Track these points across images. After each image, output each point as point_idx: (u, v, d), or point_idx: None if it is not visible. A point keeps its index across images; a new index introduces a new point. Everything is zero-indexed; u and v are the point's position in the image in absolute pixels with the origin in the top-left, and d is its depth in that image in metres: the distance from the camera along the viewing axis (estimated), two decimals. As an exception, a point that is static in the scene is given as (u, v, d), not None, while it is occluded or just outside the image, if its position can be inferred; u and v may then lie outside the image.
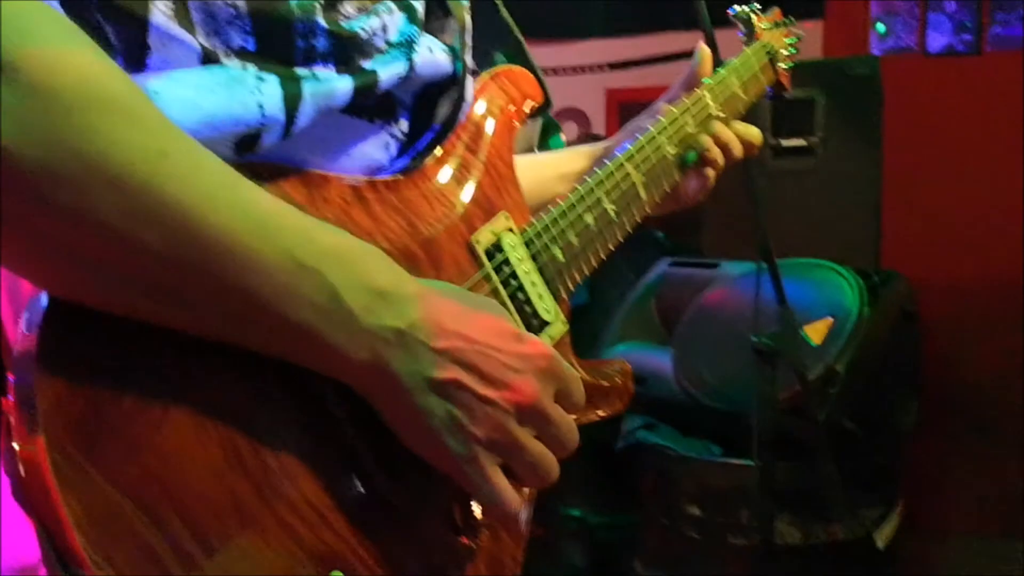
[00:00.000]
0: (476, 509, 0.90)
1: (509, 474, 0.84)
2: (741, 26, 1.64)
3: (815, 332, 2.77)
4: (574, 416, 1.03)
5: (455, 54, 0.96)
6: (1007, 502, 3.69)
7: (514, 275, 1.00)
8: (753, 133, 1.42)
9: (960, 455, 3.80)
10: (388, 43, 0.89)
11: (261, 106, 0.79)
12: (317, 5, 0.83)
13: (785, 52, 1.64)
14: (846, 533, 2.80)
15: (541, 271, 1.03)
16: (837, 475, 2.40)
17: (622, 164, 1.18)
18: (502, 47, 1.13)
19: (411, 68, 0.90)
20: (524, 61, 1.13)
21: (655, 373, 3.07)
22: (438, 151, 0.98)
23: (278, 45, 0.82)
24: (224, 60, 0.79)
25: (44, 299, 0.68)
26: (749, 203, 2.07)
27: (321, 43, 0.84)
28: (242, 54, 0.80)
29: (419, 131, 0.95)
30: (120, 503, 0.67)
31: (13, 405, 0.66)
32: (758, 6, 1.67)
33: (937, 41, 4.84)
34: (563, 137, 2.33)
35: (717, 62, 1.46)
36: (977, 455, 3.78)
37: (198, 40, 0.77)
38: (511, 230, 1.01)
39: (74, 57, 0.65)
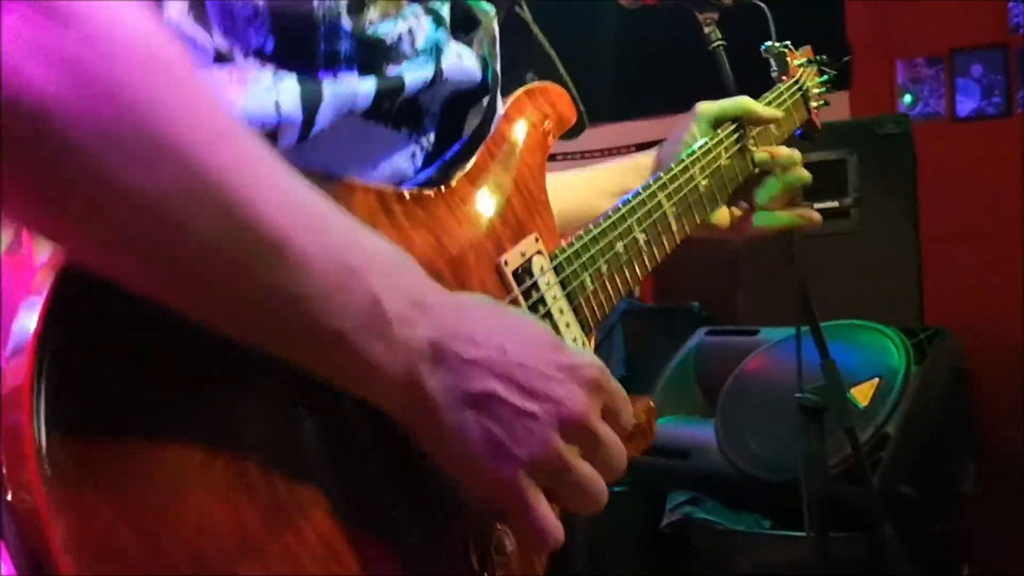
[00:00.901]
0: (508, 542, 0.83)
1: (552, 499, 0.77)
2: (773, 62, 1.65)
3: (861, 394, 2.67)
4: None
5: (486, 62, 0.93)
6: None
7: (542, 301, 0.95)
8: (794, 155, 1.41)
9: (1025, 519, 3.64)
10: (415, 49, 0.86)
11: (278, 104, 0.75)
12: (342, 7, 0.80)
13: (816, 91, 1.65)
14: (911, 605, 2.66)
15: (569, 298, 0.99)
16: (899, 543, 2.28)
17: (654, 192, 1.16)
18: (536, 68, 1.09)
19: (439, 73, 0.86)
20: (559, 80, 1.09)
21: (699, 446, 2.98)
22: (468, 166, 0.93)
23: (299, 47, 0.78)
24: (240, 62, 0.75)
25: (38, 308, 0.62)
26: (785, 258, 2.01)
27: (344, 47, 0.80)
28: (260, 55, 0.76)
29: (447, 142, 0.91)
30: (115, 526, 0.61)
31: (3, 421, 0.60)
32: (790, 43, 1.68)
33: (966, 105, 4.82)
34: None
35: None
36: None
37: (213, 40, 0.74)
38: (541, 253, 0.97)
39: (135, 12, 0.60)
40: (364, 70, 0.81)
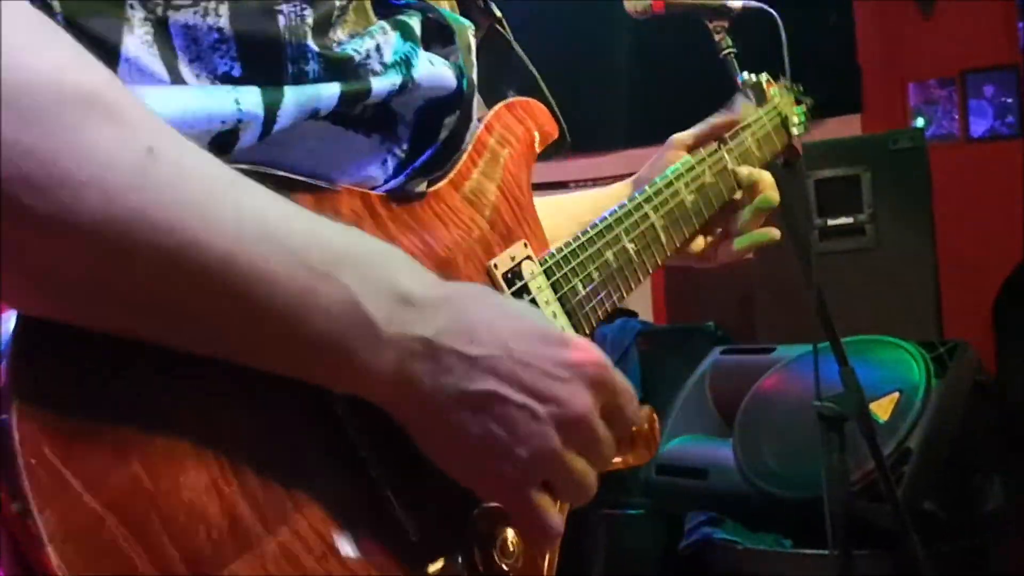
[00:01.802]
0: (512, 543, 0.81)
1: (548, 492, 0.75)
2: (750, 93, 1.67)
3: (881, 409, 2.63)
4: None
5: (461, 71, 0.90)
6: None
7: (535, 303, 0.94)
8: (767, 177, 1.40)
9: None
10: (383, 64, 0.84)
11: (238, 102, 0.73)
12: (307, 28, 0.78)
13: (795, 119, 1.68)
14: (938, 624, 2.60)
15: (561, 302, 0.98)
16: (926, 559, 2.23)
17: (640, 204, 1.17)
18: (517, 84, 1.09)
19: (409, 80, 0.84)
20: (540, 97, 1.10)
21: (717, 465, 2.94)
22: (452, 172, 0.92)
23: (267, 70, 0.76)
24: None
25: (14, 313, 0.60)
26: (804, 274, 1.99)
27: (312, 67, 0.78)
28: (227, 80, 0.74)
29: (419, 149, 0.89)
30: (102, 517, 0.58)
31: None
32: (765, 74, 1.71)
33: (979, 126, 4.81)
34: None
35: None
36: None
37: (171, 74, 0.71)
38: (530, 258, 0.96)
39: (47, 52, 0.58)
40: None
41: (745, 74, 1.73)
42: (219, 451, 0.64)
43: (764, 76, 1.72)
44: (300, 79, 0.77)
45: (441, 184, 0.91)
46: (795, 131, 1.67)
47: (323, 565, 0.68)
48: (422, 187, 0.90)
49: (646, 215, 1.16)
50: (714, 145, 1.38)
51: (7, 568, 0.58)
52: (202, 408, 0.65)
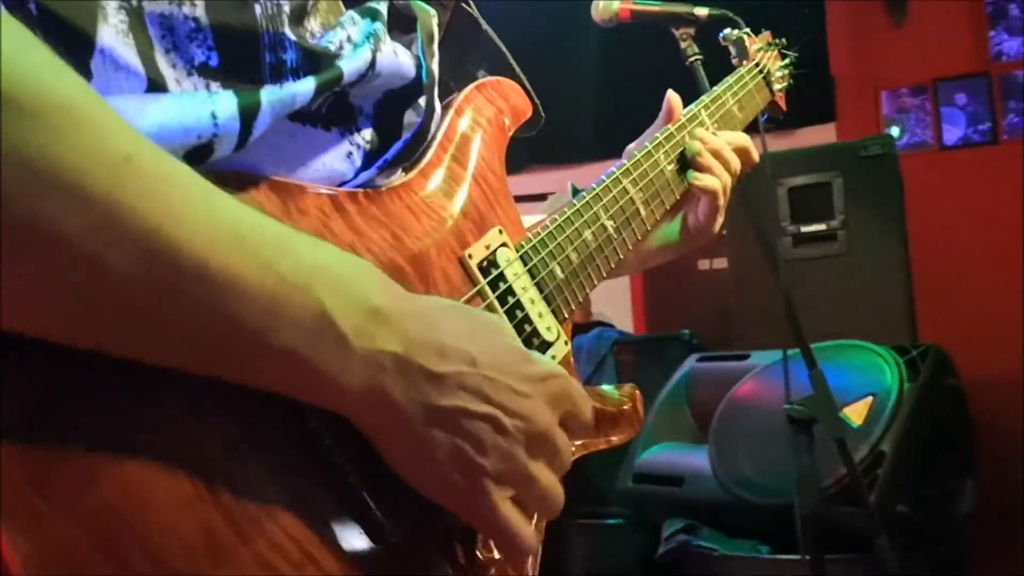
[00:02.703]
0: (484, 546, 0.81)
1: (517, 505, 0.76)
2: (732, 48, 1.67)
3: (855, 413, 2.64)
4: (584, 440, 0.95)
5: (420, 61, 0.90)
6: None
7: (511, 292, 0.93)
8: (743, 139, 1.37)
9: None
10: (354, 46, 0.84)
11: (214, 115, 0.72)
12: (284, 18, 0.78)
13: (779, 73, 1.65)
14: (913, 627, 2.61)
15: (539, 287, 0.97)
16: (896, 563, 2.24)
17: (618, 179, 1.14)
18: (487, 64, 1.07)
19: (372, 64, 0.83)
20: (511, 74, 1.08)
21: (693, 473, 2.95)
22: (422, 162, 0.91)
23: (244, 60, 0.76)
24: (182, 81, 0.73)
25: None
26: (773, 278, 2.00)
27: (290, 56, 0.78)
28: (204, 71, 0.74)
29: (386, 141, 0.89)
30: (75, 540, 0.57)
31: None
32: (747, 30, 1.70)
33: (952, 134, 4.84)
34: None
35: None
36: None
37: (147, 66, 0.71)
38: (506, 245, 0.95)
39: (19, 58, 0.57)
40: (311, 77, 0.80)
41: (726, 30, 1.72)
42: (192, 466, 0.63)
43: (746, 31, 1.71)
44: (278, 69, 0.77)
45: (411, 175, 0.90)
46: (778, 87, 1.65)
47: (302, 572, 0.67)
48: (392, 179, 0.89)
49: (624, 190, 1.14)
50: (693, 108, 1.36)
51: None
52: (174, 424, 0.64)
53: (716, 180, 1.28)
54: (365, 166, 0.87)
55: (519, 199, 1.02)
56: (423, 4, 0.95)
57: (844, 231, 3.45)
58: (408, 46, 0.91)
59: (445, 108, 0.99)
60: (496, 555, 0.82)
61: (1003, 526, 3.49)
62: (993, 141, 4.62)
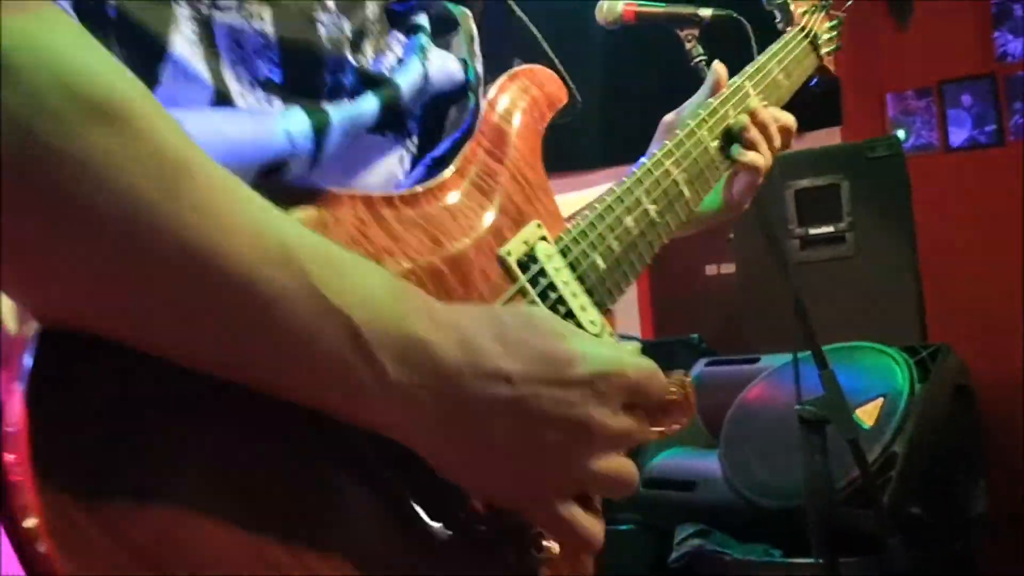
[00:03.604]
0: (536, 543, 0.80)
1: (588, 499, 0.76)
2: (777, 12, 1.59)
3: (867, 415, 2.63)
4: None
5: (466, 63, 0.91)
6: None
7: (552, 287, 0.91)
8: (788, 117, 1.32)
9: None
10: (401, 60, 0.85)
11: (289, 133, 0.73)
12: (345, 41, 0.79)
13: (826, 36, 1.57)
14: (926, 629, 2.59)
15: (581, 280, 0.94)
16: (909, 561, 2.23)
17: (660, 161, 1.10)
18: (520, 52, 1.06)
19: (425, 77, 0.85)
20: (546, 62, 1.06)
21: (704, 477, 2.94)
22: (458, 160, 0.90)
23: (306, 78, 0.77)
24: (246, 95, 0.74)
25: (35, 337, 0.59)
26: (782, 280, 1.99)
27: (349, 80, 0.79)
28: (268, 86, 0.75)
29: (432, 141, 0.89)
30: (124, 567, 0.57)
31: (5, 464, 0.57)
32: None
33: (959, 135, 4.84)
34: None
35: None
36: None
37: (214, 77, 0.72)
38: (545, 239, 0.92)
39: (86, 60, 0.58)
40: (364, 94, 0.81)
41: None
42: (244, 494, 0.63)
43: None
44: (337, 90, 0.79)
45: (447, 173, 0.89)
46: (826, 51, 1.57)
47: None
48: (431, 179, 0.88)
49: (667, 171, 1.10)
50: (736, 80, 1.30)
51: None
52: (225, 452, 0.64)
53: (761, 157, 1.24)
54: (413, 166, 0.87)
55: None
56: (459, 7, 0.95)
57: (852, 233, 3.44)
58: (450, 48, 0.92)
59: None
60: (555, 549, 0.80)
61: (1015, 526, 3.48)
62: (999, 142, 4.61)
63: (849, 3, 1.69)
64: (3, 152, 0.54)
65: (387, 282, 0.71)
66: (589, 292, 0.94)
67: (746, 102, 1.26)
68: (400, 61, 0.85)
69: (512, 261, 0.88)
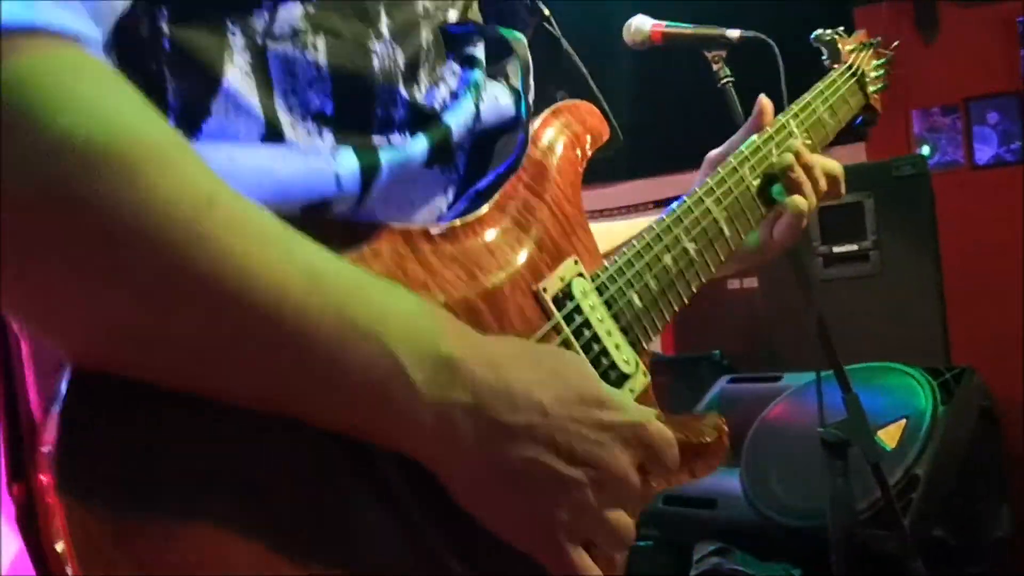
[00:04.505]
0: None
1: (593, 547, 0.77)
2: (824, 50, 1.57)
3: (889, 436, 2.62)
4: (672, 481, 0.92)
5: (519, 95, 0.91)
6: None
7: (587, 324, 0.90)
8: (836, 166, 1.28)
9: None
10: (453, 94, 0.85)
11: (338, 176, 0.74)
12: (399, 73, 0.80)
13: (874, 74, 1.55)
14: (947, 654, 2.58)
15: (616, 319, 0.94)
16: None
17: (701, 199, 1.09)
18: (566, 85, 1.06)
19: (477, 116, 0.85)
20: (590, 96, 1.05)
21: (725, 495, 2.93)
22: (498, 195, 0.90)
23: (357, 111, 0.78)
24: (296, 126, 0.75)
25: (66, 372, 0.61)
26: (804, 298, 1.99)
27: (400, 113, 0.80)
28: (319, 118, 0.76)
29: (478, 173, 0.89)
30: None
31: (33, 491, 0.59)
32: (841, 29, 1.60)
33: (984, 153, 4.81)
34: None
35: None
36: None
37: (265, 109, 0.73)
38: (581, 275, 0.92)
39: (106, 103, 0.59)
40: (415, 134, 0.81)
41: (818, 31, 1.60)
42: (269, 529, 0.64)
43: (840, 32, 1.60)
44: (387, 123, 0.79)
45: (487, 207, 0.88)
46: (872, 89, 1.54)
47: None
48: (471, 213, 0.89)
49: (707, 210, 1.09)
50: (781, 119, 1.27)
51: None
52: (251, 482, 0.65)
53: (804, 201, 1.20)
54: (456, 198, 0.87)
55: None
56: (515, 33, 0.95)
57: (876, 251, 3.43)
58: (503, 75, 0.92)
59: None
60: None
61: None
62: (1026, 160, 4.60)
63: (896, 44, 1.68)
64: (27, 197, 0.55)
65: (419, 306, 0.71)
66: (624, 330, 0.94)
67: (789, 141, 1.24)
68: (453, 95, 0.85)
69: (547, 297, 0.88)
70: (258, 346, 0.63)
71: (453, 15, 0.88)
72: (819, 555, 2.26)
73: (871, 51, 1.59)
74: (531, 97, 0.94)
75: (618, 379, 0.91)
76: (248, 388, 0.65)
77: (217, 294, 0.61)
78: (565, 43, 1.09)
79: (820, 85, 1.41)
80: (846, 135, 1.75)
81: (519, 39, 0.94)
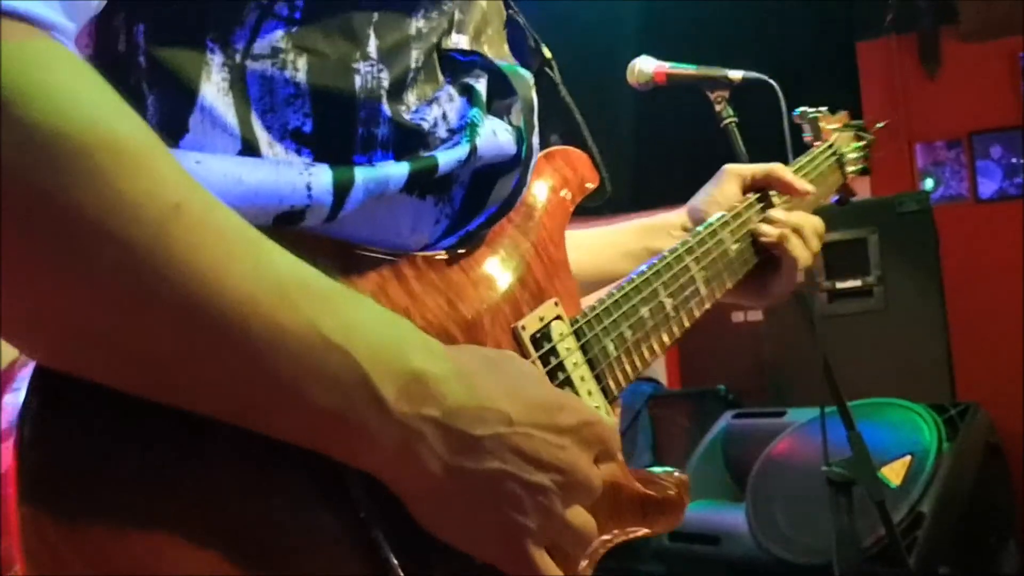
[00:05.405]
0: None
1: (554, 549, 0.76)
2: (807, 127, 1.62)
3: (894, 473, 2.62)
4: (629, 532, 0.93)
5: (520, 135, 0.91)
6: None
7: (561, 367, 0.91)
8: (818, 221, 1.33)
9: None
10: (450, 130, 0.84)
11: (309, 187, 0.73)
12: (383, 92, 0.79)
13: (853, 155, 1.60)
14: None
15: (590, 364, 0.95)
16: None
17: (681, 256, 1.12)
18: (561, 131, 1.07)
19: (473, 151, 0.84)
20: (581, 144, 1.07)
21: (729, 531, 2.92)
22: (485, 232, 0.90)
23: (337, 129, 0.77)
24: (274, 145, 0.74)
25: (29, 366, 0.61)
26: (809, 335, 1.99)
27: (383, 131, 0.79)
28: (297, 136, 0.75)
29: (471, 211, 0.89)
30: None
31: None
32: (824, 109, 1.65)
33: (988, 187, 4.83)
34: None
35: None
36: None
37: (243, 126, 0.73)
38: (560, 318, 0.93)
39: (79, 96, 0.58)
40: (399, 156, 0.80)
41: (801, 109, 1.67)
42: (226, 532, 0.64)
43: (822, 111, 1.66)
44: (369, 143, 0.78)
45: (474, 243, 0.89)
46: (851, 170, 1.60)
47: None
48: (464, 248, 0.89)
49: (686, 267, 1.12)
50: (759, 194, 1.32)
51: None
52: (210, 487, 0.65)
53: (792, 256, 1.26)
54: (447, 233, 0.87)
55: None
56: (521, 71, 0.95)
57: (880, 287, 3.43)
58: (507, 114, 0.92)
59: None
60: None
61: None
62: (1029, 193, 4.61)
63: (879, 125, 1.72)
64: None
65: (384, 317, 0.71)
66: (597, 377, 0.95)
67: (769, 211, 1.29)
68: (445, 117, 0.84)
69: (526, 336, 0.88)
70: (226, 354, 0.62)
71: (463, 41, 0.88)
72: (824, 592, 2.25)
73: (852, 133, 1.65)
74: (534, 138, 0.93)
75: None
76: (210, 398, 0.64)
77: (182, 299, 0.59)
78: (563, 89, 1.09)
79: (802, 159, 1.46)
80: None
81: (522, 77, 0.94)
